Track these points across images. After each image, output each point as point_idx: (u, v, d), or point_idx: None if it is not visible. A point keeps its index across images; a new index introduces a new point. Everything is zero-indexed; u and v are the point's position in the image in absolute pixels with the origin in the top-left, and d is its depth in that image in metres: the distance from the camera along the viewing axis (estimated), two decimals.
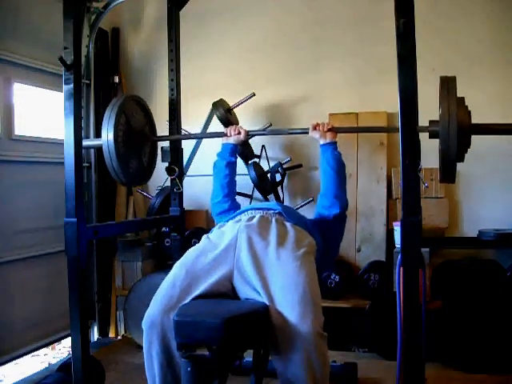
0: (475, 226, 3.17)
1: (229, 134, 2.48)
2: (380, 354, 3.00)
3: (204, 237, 2.02)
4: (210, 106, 3.42)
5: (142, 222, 3.20)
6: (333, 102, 3.56)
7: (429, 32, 3.16)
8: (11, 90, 3.00)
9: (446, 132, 1.72)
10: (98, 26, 3.61)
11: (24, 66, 3.07)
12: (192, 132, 3.52)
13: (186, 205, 3.04)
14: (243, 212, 2.12)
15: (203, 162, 3.33)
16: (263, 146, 3.48)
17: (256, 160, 3.41)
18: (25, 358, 3.16)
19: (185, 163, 3.30)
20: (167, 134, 2.94)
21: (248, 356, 1.86)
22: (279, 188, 3.42)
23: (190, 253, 1.93)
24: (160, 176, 3.09)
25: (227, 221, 2.11)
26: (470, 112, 1.80)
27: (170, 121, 2.94)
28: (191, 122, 3.44)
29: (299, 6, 3.67)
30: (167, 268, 2.03)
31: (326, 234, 2.20)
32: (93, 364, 2.39)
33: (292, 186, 3.67)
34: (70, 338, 2.15)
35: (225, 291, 1.81)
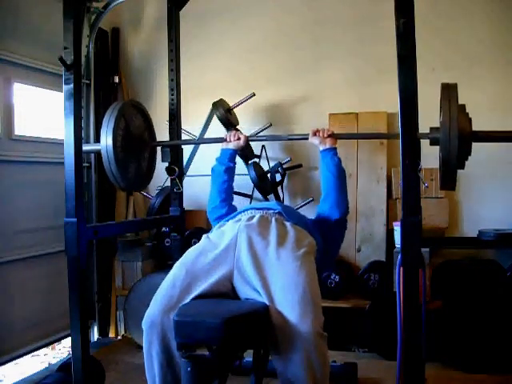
0: (475, 226, 3.17)
1: (228, 140, 2.47)
2: (380, 353, 3.00)
3: (204, 236, 2.02)
4: (210, 106, 3.42)
5: (142, 222, 3.20)
6: (333, 101, 3.56)
7: (429, 32, 3.16)
8: (11, 90, 3.00)
9: (446, 139, 1.71)
10: (98, 25, 3.61)
11: (24, 66, 3.07)
12: (192, 132, 3.53)
13: (186, 205, 3.03)
14: (243, 212, 2.12)
15: (203, 162, 3.32)
16: (263, 146, 3.48)
17: (256, 160, 3.41)
18: (25, 357, 3.16)
19: (185, 163, 3.30)
20: (167, 133, 2.94)
21: (248, 356, 1.86)
22: (279, 188, 3.42)
23: (190, 253, 1.93)
24: (160, 176, 3.09)
25: (227, 220, 2.11)
26: (470, 119, 1.79)
27: (170, 121, 2.94)
28: (191, 121, 3.45)
29: (299, 5, 3.67)
30: (167, 268, 2.03)
31: (326, 235, 2.20)
32: (93, 364, 2.39)
33: (292, 186, 3.67)
34: (70, 338, 2.15)
35: (225, 291, 1.81)
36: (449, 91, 1.77)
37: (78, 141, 2.08)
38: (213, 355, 1.58)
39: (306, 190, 3.62)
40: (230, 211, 2.34)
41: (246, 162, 3.33)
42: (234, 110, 3.44)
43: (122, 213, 3.85)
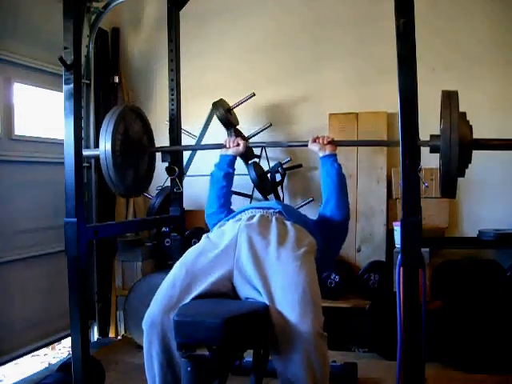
0: (475, 226, 3.17)
1: (227, 146, 2.45)
2: (380, 353, 3.00)
3: (204, 236, 2.02)
4: (210, 106, 3.42)
5: (142, 222, 3.20)
6: (333, 101, 3.56)
7: (429, 32, 3.16)
8: (11, 90, 3.00)
9: (447, 147, 1.71)
10: (98, 25, 3.61)
11: (24, 66, 3.07)
12: (192, 132, 3.53)
13: (186, 205, 3.03)
14: (243, 211, 2.12)
15: (203, 162, 3.32)
16: (263, 146, 3.48)
17: (256, 160, 3.41)
18: (25, 358, 3.16)
19: (185, 163, 3.29)
20: (167, 133, 2.94)
21: (248, 356, 1.85)
22: (279, 188, 3.42)
23: (190, 252, 1.93)
24: (160, 176, 3.09)
25: (227, 220, 2.10)
26: (471, 127, 1.79)
27: (170, 121, 2.94)
28: (191, 122, 3.44)
29: (299, 5, 3.67)
30: (167, 268, 2.03)
31: (327, 237, 2.19)
32: (93, 364, 2.39)
33: (292, 185, 3.67)
34: (70, 338, 2.15)
35: (225, 291, 1.81)
36: (450, 98, 1.76)
37: (78, 141, 2.08)
38: (213, 355, 1.58)
39: (306, 190, 3.62)
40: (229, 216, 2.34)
41: (246, 162, 3.33)
42: (234, 109, 3.43)
43: (122, 213, 3.85)
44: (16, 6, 2.99)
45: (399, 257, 1.76)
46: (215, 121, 3.42)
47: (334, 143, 2.32)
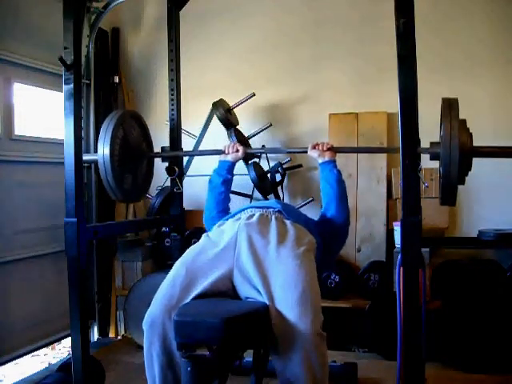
0: (475, 226, 3.17)
1: (227, 152, 2.45)
2: (380, 353, 3.00)
3: (204, 235, 2.02)
4: (210, 106, 3.42)
5: (142, 222, 3.21)
6: (333, 102, 3.56)
7: (429, 32, 3.16)
8: (11, 90, 2.99)
9: (447, 155, 1.71)
10: (98, 25, 3.60)
11: (24, 66, 3.06)
12: (192, 132, 3.52)
13: (186, 205, 3.04)
14: (243, 210, 2.12)
15: (203, 162, 3.33)
16: (263, 146, 3.47)
17: (256, 160, 3.41)
18: (25, 358, 3.16)
19: (185, 163, 3.30)
20: (167, 133, 2.94)
21: (248, 356, 1.85)
22: (279, 188, 3.42)
23: (190, 251, 1.93)
24: (160, 176, 3.09)
25: (227, 219, 2.10)
26: (471, 134, 1.79)
27: (170, 121, 2.94)
28: (191, 121, 3.44)
29: (299, 5, 3.67)
30: (167, 268, 2.03)
31: (326, 238, 2.18)
32: (93, 364, 2.39)
33: (292, 186, 3.67)
34: (70, 338, 2.16)
35: (225, 290, 1.81)
36: (450, 106, 1.76)
37: (78, 141, 2.09)
38: (213, 355, 1.58)
39: (305, 190, 3.62)
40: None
41: (246, 162, 3.33)
42: (234, 109, 3.44)
43: (121, 213, 3.85)
44: (16, 6, 2.99)
45: (399, 257, 1.76)
46: (215, 121, 3.42)
47: (333, 150, 2.33)
